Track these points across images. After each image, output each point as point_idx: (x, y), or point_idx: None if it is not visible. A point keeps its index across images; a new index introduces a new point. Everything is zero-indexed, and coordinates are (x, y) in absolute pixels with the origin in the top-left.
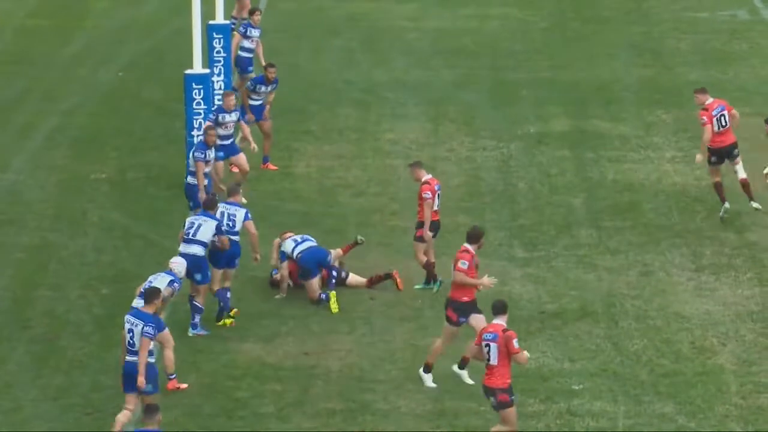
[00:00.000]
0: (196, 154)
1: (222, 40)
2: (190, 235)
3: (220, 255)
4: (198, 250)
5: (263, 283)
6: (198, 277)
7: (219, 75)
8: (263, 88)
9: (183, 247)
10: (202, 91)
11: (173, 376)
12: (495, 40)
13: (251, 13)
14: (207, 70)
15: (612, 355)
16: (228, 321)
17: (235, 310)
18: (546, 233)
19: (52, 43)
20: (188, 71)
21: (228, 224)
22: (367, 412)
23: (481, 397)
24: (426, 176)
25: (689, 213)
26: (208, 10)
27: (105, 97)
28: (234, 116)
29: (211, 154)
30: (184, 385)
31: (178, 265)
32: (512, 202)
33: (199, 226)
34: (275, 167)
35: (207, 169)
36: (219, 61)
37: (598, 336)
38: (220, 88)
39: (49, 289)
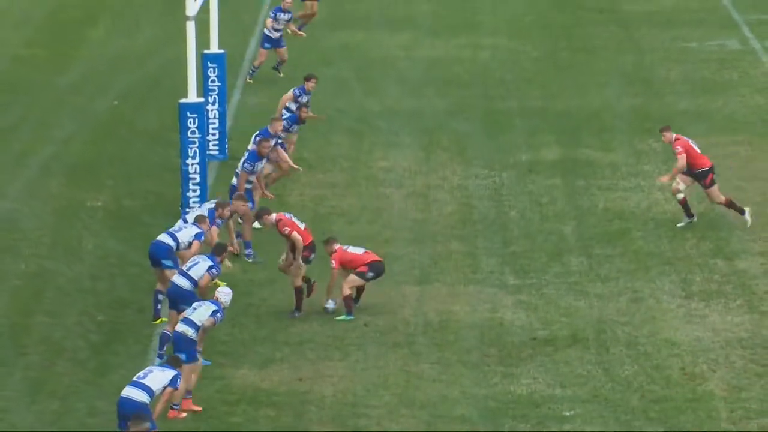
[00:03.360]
0: (245, 164)
1: (216, 69)
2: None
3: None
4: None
5: (257, 309)
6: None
7: (213, 104)
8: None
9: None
10: (196, 119)
11: (177, 406)
12: (487, 70)
13: (307, 79)
14: (201, 99)
15: (603, 381)
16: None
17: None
18: (537, 260)
19: (48, 72)
20: (183, 100)
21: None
22: None
23: (478, 422)
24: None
25: (679, 240)
26: (202, 40)
27: (100, 126)
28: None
29: (260, 165)
30: (184, 414)
31: (225, 295)
32: (504, 230)
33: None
34: (272, 195)
35: (250, 178)
36: (213, 90)
37: (589, 362)
38: (214, 117)
39: (45, 315)
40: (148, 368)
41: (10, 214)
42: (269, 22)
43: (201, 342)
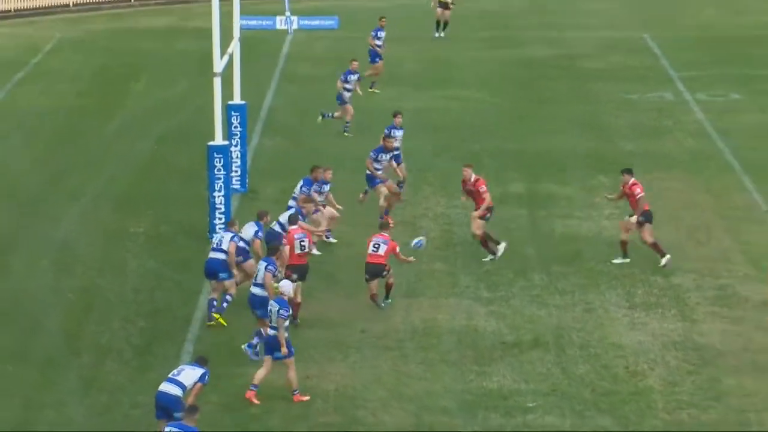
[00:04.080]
0: (371, 154)
1: (239, 117)
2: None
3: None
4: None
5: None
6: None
7: (236, 146)
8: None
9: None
10: (222, 159)
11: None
12: (462, 117)
13: (394, 116)
14: (226, 142)
15: (560, 377)
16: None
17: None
18: (506, 277)
19: (97, 120)
20: (211, 143)
21: (216, 243)
22: (359, 425)
23: (457, 413)
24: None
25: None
26: (226, 92)
27: (141, 165)
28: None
29: (385, 156)
30: (306, 397)
31: (286, 287)
32: (478, 252)
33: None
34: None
35: (377, 166)
36: (236, 135)
37: (549, 362)
38: (237, 157)
39: (95, 323)
40: (180, 366)
41: (66, 239)
42: (339, 84)
43: (195, 398)
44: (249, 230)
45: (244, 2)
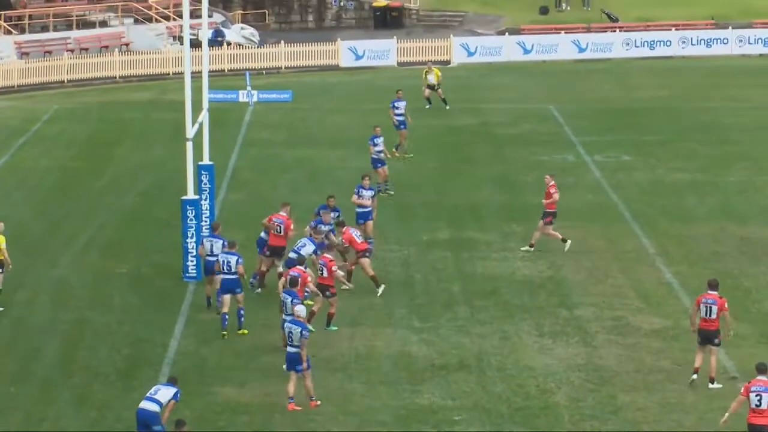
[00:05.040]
0: (311, 223)
1: (208, 175)
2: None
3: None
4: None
5: (236, 344)
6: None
7: (206, 200)
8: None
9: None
10: (194, 211)
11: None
12: (397, 175)
13: (362, 178)
14: (197, 197)
15: (481, 395)
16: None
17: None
18: (435, 309)
19: (88, 178)
20: (184, 197)
21: (226, 268)
22: None
23: (393, 426)
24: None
25: (534, 295)
26: (197, 154)
27: (125, 216)
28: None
29: (323, 227)
30: (318, 402)
31: (300, 311)
32: (411, 288)
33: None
34: None
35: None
36: (205, 190)
37: (472, 382)
38: (206, 209)
39: (85, 350)
40: (156, 386)
41: (62, 278)
42: (371, 149)
43: (169, 412)
44: (217, 245)
45: (211, 78)
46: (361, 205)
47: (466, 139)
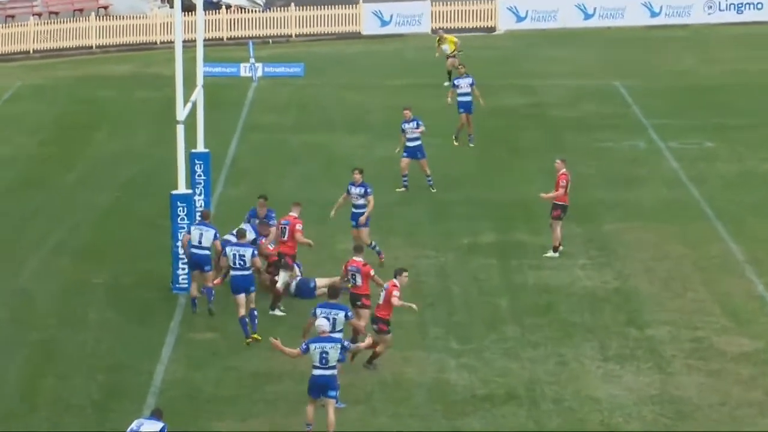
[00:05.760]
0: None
1: (202, 165)
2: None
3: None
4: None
5: (238, 372)
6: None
7: (200, 195)
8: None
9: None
10: (185, 208)
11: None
12: (433, 166)
13: (353, 172)
14: (190, 191)
15: None
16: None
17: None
18: (477, 329)
19: (58, 169)
20: (174, 192)
21: (239, 263)
22: None
23: None
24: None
25: (597, 312)
26: (190, 140)
27: (103, 214)
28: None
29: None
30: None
31: (323, 326)
32: (448, 303)
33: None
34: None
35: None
36: (199, 183)
37: (522, 416)
38: (200, 206)
39: (55, 377)
40: (139, 420)
41: (25, 289)
42: (451, 92)
43: None
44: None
45: (207, 49)
46: (353, 205)
47: (514, 123)
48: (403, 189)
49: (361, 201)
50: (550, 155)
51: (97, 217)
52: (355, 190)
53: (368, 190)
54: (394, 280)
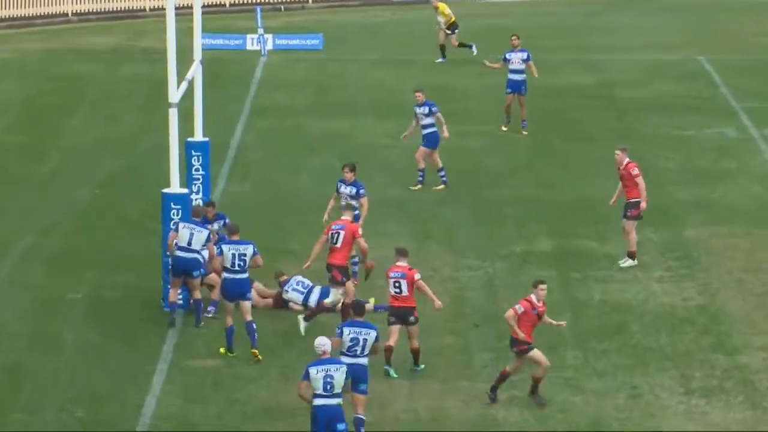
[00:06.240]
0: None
1: (200, 157)
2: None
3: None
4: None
5: (244, 406)
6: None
7: (198, 193)
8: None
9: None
10: (180, 210)
11: None
12: (476, 158)
13: (344, 168)
14: (185, 190)
15: None
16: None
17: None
18: None
19: (27, 161)
20: (166, 190)
21: (239, 264)
22: None
23: None
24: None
25: (678, 334)
26: (186, 127)
27: (81, 215)
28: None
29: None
30: None
31: (324, 346)
32: (498, 323)
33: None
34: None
35: None
36: (198, 179)
37: None
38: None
39: (22, 412)
40: None
41: None
42: (500, 65)
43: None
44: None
45: (207, 17)
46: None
47: (575, 106)
48: (442, 186)
49: (353, 203)
50: (617, 144)
51: (74, 219)
52: (346, 190)
53: (361, 191)
54: (530, 297)
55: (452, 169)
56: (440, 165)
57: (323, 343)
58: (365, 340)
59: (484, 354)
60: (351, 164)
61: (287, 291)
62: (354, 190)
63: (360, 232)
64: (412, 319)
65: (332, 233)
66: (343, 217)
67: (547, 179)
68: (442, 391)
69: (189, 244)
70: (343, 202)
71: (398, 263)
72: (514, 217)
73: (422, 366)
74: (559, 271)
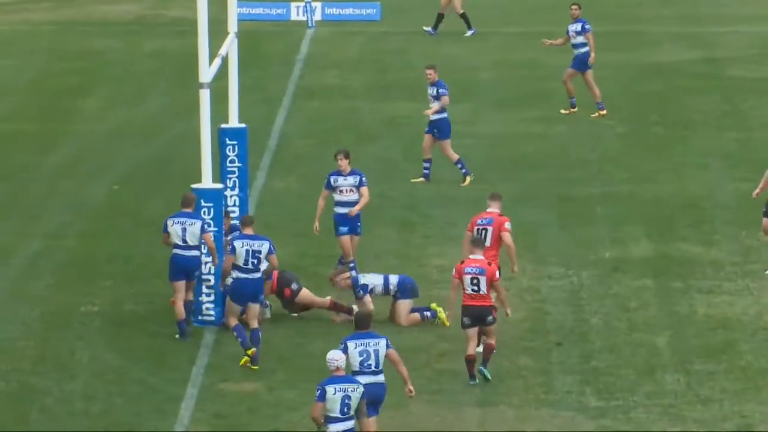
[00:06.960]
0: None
1: (236, 147)
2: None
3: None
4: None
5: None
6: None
7: (233, 189)
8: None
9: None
10: (212, 208)
11: None
12: (562, 148)
13: (336, 156)
14: (219, 185)
15: None
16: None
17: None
18: (624, 378)
19: (33, 152)
20: (196, 185)
21: (252, 262)
22: None
23: None
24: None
25: None
26: (219, 111)
27: (97, 215)
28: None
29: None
30: None
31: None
32: (584, 341)
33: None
34: None
35: None
36: (233, 173)
37: None
38: (234, 204)
39: None
40: None
41: None
42: (561, 41)
43: None
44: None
45: None
46: (339, 202)
47: (675, 87)
48: (422, 179)
49: (353, 196)
50: (728, 132)
51: (88, 220)
52: (346, 182)
53: (363, 179)
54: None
55: (532, 161)
56: (455, 157)
57: (337, 357)
58: (376, 350)
59: (567, 377)
60: (345, 151)
61: (364, 275)
62: (357, 179)
63: (508, 226)
64: (490, 319)
65: (479, 228)
66: (489, 210)
67: (643, 173)
68: (518, 419)
69: (183, 240)
70: (342, 198)
71: (489, 209)
72: (604, 217)
73: (489, 371)
74: (657, 281)
